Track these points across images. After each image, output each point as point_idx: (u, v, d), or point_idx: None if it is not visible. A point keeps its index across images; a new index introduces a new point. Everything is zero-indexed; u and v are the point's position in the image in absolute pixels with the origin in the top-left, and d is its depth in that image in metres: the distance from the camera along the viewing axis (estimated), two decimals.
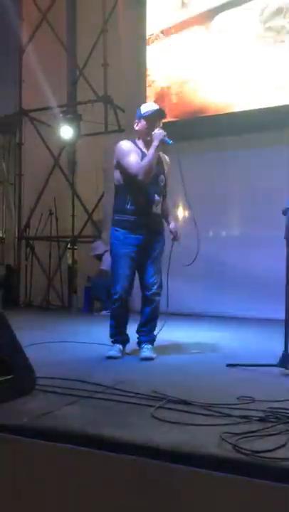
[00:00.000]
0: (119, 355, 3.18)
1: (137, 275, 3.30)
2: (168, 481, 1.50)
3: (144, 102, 6.48)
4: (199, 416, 1.86)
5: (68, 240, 7.52)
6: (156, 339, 3.34)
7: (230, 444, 1.55)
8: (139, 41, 6.61)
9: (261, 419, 1.79)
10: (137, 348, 3.29)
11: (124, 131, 7.10)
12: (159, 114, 3.22)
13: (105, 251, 5.90)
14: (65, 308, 6.86)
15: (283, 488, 1.37)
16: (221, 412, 1.89)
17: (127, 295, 3.20)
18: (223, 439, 1.59)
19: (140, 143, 3.25)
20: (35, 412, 1.91)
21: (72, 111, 7.37)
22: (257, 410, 1.89)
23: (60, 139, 7.25)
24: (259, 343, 4.01)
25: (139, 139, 3.27)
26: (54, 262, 7.31)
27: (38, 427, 1.75)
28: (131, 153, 3.16)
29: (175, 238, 3.30)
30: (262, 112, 5.81)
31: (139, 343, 3.28)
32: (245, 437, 1.61)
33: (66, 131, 6.99)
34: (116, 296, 3.18)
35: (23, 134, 7.64)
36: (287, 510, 1.36)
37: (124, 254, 3.18)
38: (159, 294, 3.25)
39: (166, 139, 3.12)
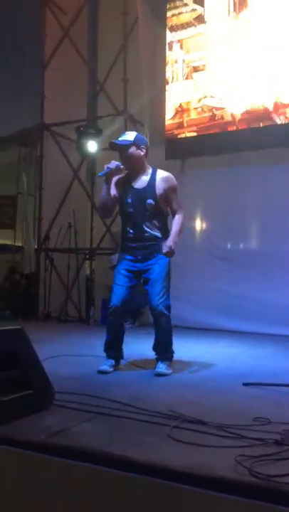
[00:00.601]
0: (110, 370, 3.22)
1: None
2: (181, 503, 1.52)
3: (164, 116, 6.59)
4: (215, 437, 1.86)
5: (86, 251, 7.59)
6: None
7: (245, 467, 1.56)
8: (158, 57, 6.71)
9: (277, 442, 1.79)
10: (155, 362, 3.30)
11: None
12: (111, 147, 3.36)
13: None
14: (82, 320, 6.90)
15: None
16: (236, 434, 1.89)
17: (120, 310, 3.29)
18: (238, 462, 1.59)
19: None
20: (52, 429, 1.94)
21: (92, 125, 7.48)
22: (273, 432, 1.89)
23: (81, 153, 7.35)
24: (276, 360, 3.98)
25: None
26: (72, 274, 7.37)
27: (54, 445, 1.78)
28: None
29: (165, 253, 3.20)
30: (281, 127, 5.83)
31: (156, 360, 3.29)
32: (261, 461, 1.61)
33: (88, 146, 7.10)
34: (110, 311, 3.32)
35: (44, 147, 7.77)
36: None
37: (119, 272, 3.33)
38: (164, 315, 3.23)
39: (101, 172, 3.29)
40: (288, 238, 5.61)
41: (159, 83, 6.69)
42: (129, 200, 3.27)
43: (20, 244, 10.22)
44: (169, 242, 3.20)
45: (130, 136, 3.32)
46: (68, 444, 1.78)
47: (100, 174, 3.23)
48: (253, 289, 5.75)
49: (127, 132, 3.44)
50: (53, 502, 1.70)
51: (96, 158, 7.59)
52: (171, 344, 3.33)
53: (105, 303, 6.62)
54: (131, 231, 3.30)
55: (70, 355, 3.74)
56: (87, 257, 7.66)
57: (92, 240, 7.42)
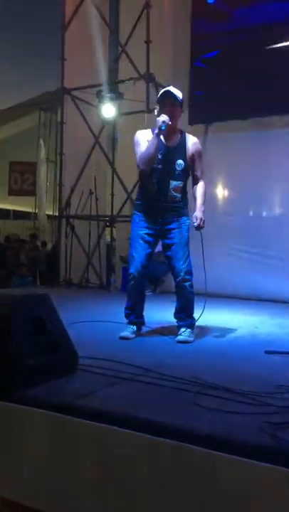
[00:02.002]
0: (132, 336, 3.26)
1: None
2: (206, 467, 1.55)
3: (188, 80, 6.39)
4: (238, 404, 1.89)
5: (107, 218, 7.58)
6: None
7: (269, 433, 1.58)
8: (183, 17, 6.46)
9: None
10: (177, 329, 3.32)
11: None
12: (166, 95, 3.18)
13: None
14: (103, 287, 6.97)
15: None
16: (260, 401, 1.91)
17: (141, 276, 3.29)
18: (261, 429, 1.61)
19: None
20: (78, 392, 1.99)
21: (113, 89, 7.32)
22: None
23: (101, 118, 7.24)
24: None
25: None
26: (93, 241, 7.40)
27: (82, 407, 1.83)
28: (140, 143, 3.24)
29: (197, 226, 3.22)
30: None
31: (178, 327, 3.31)
32: (284, 427, 1.63)
33: (107, 110, 6.98)
34: (130, 277, 3.32)
35: (64, 112, 7.66)
36: None
37: (138, 235, 3.29)
38: (187, 280, 3.25)
39: (163, 124, 3.10)
40: None
41: (184, 45, 6.47)
42: (159, 157, 3.23)
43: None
44: (200, 213, 3.22)
45: (180, 94, 3.25)
46: (96, 406, 1.83)
47: (163, 127, 3.08)
48: (275, 257, 5.70)
49: (174, 88, 3.25)
50: (83, 463, 1.75)
51: (117, 124, 7.48)
52: (193, 311, 3.34)
53: (126, 270, 6.67)
54: (155, 187, 3.25)
55: (91, 321, 3.79)
56: (107, 224, 7.66)
57: (112, 207, 7.40)
